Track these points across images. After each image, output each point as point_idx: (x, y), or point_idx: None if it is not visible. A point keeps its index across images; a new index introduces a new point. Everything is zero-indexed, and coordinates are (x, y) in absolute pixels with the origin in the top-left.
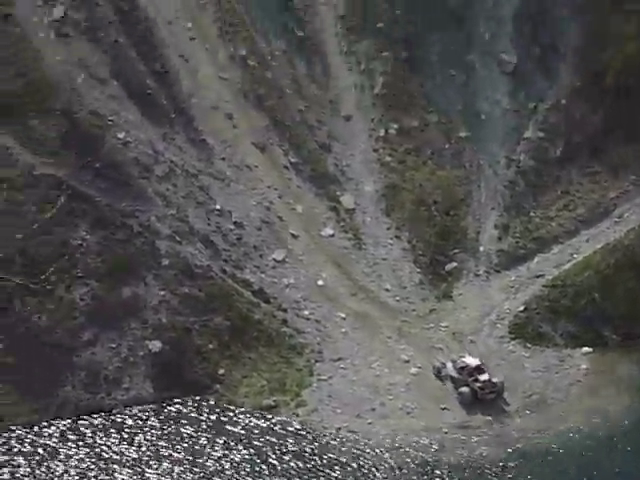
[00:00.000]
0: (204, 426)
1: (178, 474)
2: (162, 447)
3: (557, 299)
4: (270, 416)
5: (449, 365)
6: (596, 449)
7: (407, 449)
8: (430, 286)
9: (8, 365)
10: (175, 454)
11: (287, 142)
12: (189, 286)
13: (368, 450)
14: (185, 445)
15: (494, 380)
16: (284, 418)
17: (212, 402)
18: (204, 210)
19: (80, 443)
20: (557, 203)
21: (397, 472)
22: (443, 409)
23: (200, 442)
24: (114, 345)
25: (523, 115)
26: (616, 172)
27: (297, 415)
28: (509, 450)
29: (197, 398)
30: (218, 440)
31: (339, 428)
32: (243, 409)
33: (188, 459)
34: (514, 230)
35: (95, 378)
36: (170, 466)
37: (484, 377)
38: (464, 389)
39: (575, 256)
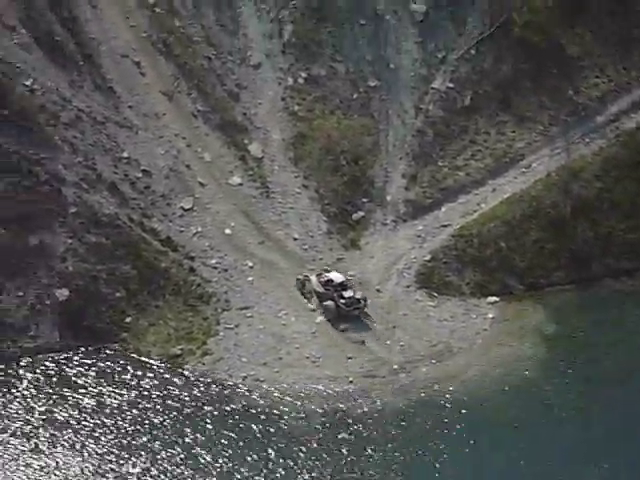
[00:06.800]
0: (110, 375)
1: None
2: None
3: (463, 248)
4: (177, 365)
5: (313, 279)
6: (499, 398)
7: (312, 398)
8: (337, 235)
9: None
10: (83, 402)
11: (195, 90)
12: (96, 234)
13: (273, 398)
14: (92, 394)
15: (357, 296)
16: (190, 367)
17: (119, 350)
18: (111, 158)
19: None
20: (464, 153)
21: (301, 421)
22: (349, 358)
23: (104, 392)
24: (21, 293)
25: (432, 65)
26: (523, 123)
27: (203, 364)
28: (413, 399)
29: (104, 346)
30: (123, 391)
31: (245, 377)
32: (150, 358)
33: (93, 406)
34: (421, 179)
35: (1, 326)
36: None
37: (348, 293)
38: (328, 303)
39: (482, 206)
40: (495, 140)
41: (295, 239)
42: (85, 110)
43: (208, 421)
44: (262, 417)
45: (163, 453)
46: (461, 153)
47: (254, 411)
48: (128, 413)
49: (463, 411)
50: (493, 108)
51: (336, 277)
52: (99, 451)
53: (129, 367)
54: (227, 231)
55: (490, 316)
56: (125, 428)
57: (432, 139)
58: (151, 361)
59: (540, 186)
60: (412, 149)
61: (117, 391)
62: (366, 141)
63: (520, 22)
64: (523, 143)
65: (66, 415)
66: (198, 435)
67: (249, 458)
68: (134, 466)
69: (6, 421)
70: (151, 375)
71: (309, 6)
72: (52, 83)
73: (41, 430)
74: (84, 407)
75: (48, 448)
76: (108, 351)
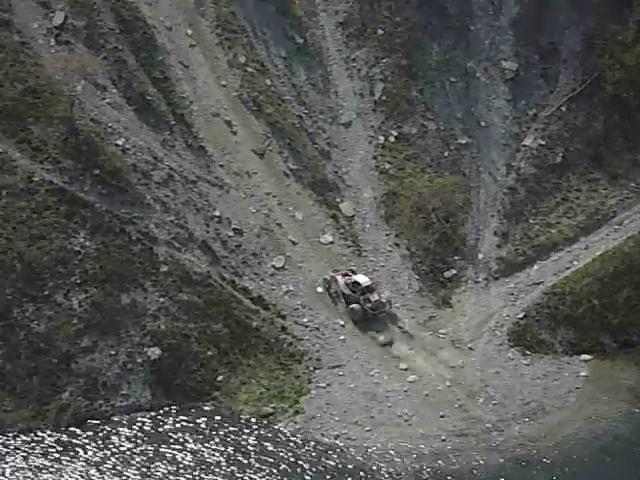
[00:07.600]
0: (203, 433)
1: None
2: (166, 454)
3: (556, 306)
4: (269, 423)
5: (340, 281)
6: (594, 457)
7: (405, 457)
8: (429, 293)
9: (6, 372)
10: (179, 458)
11: (286, 149)
12: (188, 293)
13: (365, 458)
14: (188, 449)
15: (383, 300)
16: (283, 425)
17: (211, 409)
18: (203, 217)
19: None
20: (556, 210)
21: (395, 479)
22: (442, 417)
23: (200, 449)
24: (113, 352)
25: (523, 122)
26: (616, 179)
27: (295, 422)
28: (506, 458)
29: (195, 405)
30: (218, 448)
31: (337, 436)
32: (242, 416)
33: (189, 462)
34: (513, 237)
35: (93, 385)
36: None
37: (375, 297)
38: (355, 306)
39: (574, 263)
40: (587, 197)
41: None
42: (177, 169)
43: (305, 478)
44: (357, 475)
45: None
46: (553, 210)
47: (349, 468)
48: (225, 469)
49: (557, 470)
50: (585, 165)
51: (362, 280)
52: None
53: (224, 424)
54: (319, 289)
55: (583, 374)
56: None
57: (524, 196)
58: (244, 419)
59: (632, 243)
60: (504, 207)
61: (213, 447)
62: (457, 199)
63: (612, 79)
64: (615, 200)
65: (164, 471)
66: None
67: None
68: None
69: (104, 477)
70: (245, 432)
71: (399, 64)
72: (144, 142)
73: None
74: (181, 463)
75: None
76: (200, 409)
